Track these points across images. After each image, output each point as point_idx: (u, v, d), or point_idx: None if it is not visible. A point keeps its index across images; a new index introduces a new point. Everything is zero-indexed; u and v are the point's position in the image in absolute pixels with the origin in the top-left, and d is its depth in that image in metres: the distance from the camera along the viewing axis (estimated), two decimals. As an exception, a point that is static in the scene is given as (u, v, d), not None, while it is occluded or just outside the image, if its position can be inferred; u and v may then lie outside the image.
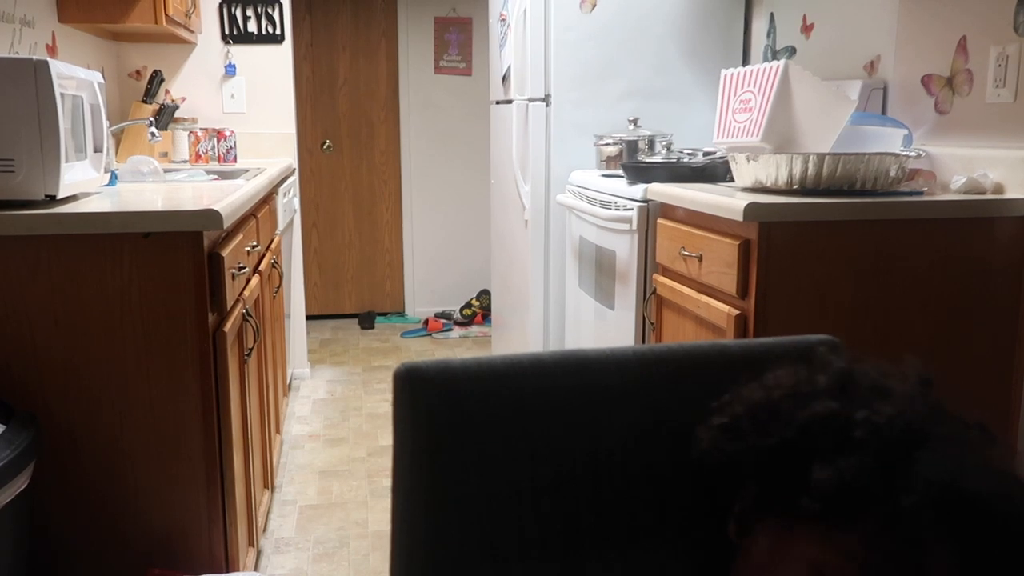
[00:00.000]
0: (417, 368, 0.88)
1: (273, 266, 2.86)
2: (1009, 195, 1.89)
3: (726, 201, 1.82)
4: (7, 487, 1.41)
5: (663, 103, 3.10)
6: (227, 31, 3.82)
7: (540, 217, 3.14)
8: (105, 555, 1.76)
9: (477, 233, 5.32)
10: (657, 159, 2.50)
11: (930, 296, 1.85)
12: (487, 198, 5.23)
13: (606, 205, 2.55)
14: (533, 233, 3.16)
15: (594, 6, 3.02)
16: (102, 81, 1.98)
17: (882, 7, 2.34)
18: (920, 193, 1.92)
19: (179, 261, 1.68)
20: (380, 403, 3.77)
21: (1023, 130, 1.89)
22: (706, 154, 2.42)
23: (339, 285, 5.31)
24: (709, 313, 1.97)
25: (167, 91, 3.78)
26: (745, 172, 1.99)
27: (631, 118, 2.87)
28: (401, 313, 5.37)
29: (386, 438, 3.35)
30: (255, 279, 2.34)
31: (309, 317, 4.75)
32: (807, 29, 2.72)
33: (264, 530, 2.55)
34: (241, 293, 2.10)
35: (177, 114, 3.67)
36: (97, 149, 1.94)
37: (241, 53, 3.85)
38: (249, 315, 2.14)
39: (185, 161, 3.56)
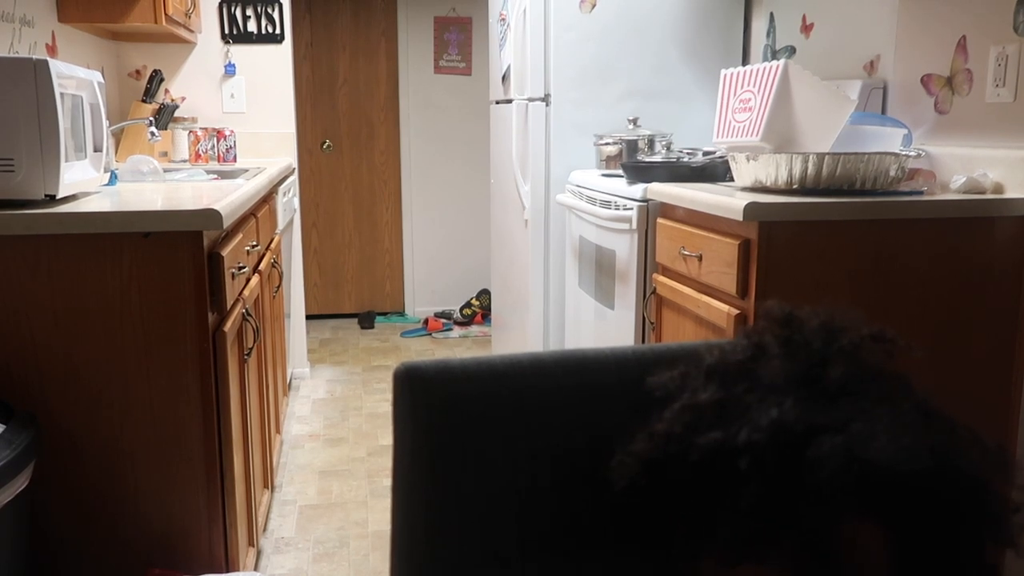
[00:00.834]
0: (417, 368, 0.88)
1: (273, 266, 2.86)
2: (1009, 195, 1.89)
3: (726, 201, 1.82)
4: (7, 487, 1.41)
5: (663, 103, 3.10)
6: (227, 31, 3.82)
7: (540, 217, 3.14)
8: (105, 555, 1.76)
9: (477, 233, 5.32)
10: (657, 159, 2.50)
11: (930, 296, 1.85)
12: (487, 198, 5.23)
13: (606, 205, 2.55)
14: (533, 233, 3.16)
15: (594, 6, 3.02)
16: (102, 81, 1.98)
17: (882, 7, 2.34)
18: (920, 193, 1.91)
19: (179, 261, 1.68)
20: (380, 403, 3.77)
21: (1023, 130, 1.89)
22: (706, 154, 2.42)
23: (339, 285, 5.31)
24: (709, 313, 1.97)
25: (167, 91, 3.78)
26: (745, 172, 1.99)
27: (631, 118, 2.87)
28: (401, 313, 5.37)
29: (386, 438, 3.35)
30: (255, 279, 2.34)
31: (309, 317, 4.75)
32: (807, 29, 2.72)
33: (264, 530, 2.55)
34: (241, 293, 2.10)
35: (177, 114, 3.67)
36: (97, 149, 1.94)
37: (241, 53, 3.85)
38: (249, 315, 2.14)
39: (185, 161, 3.56)
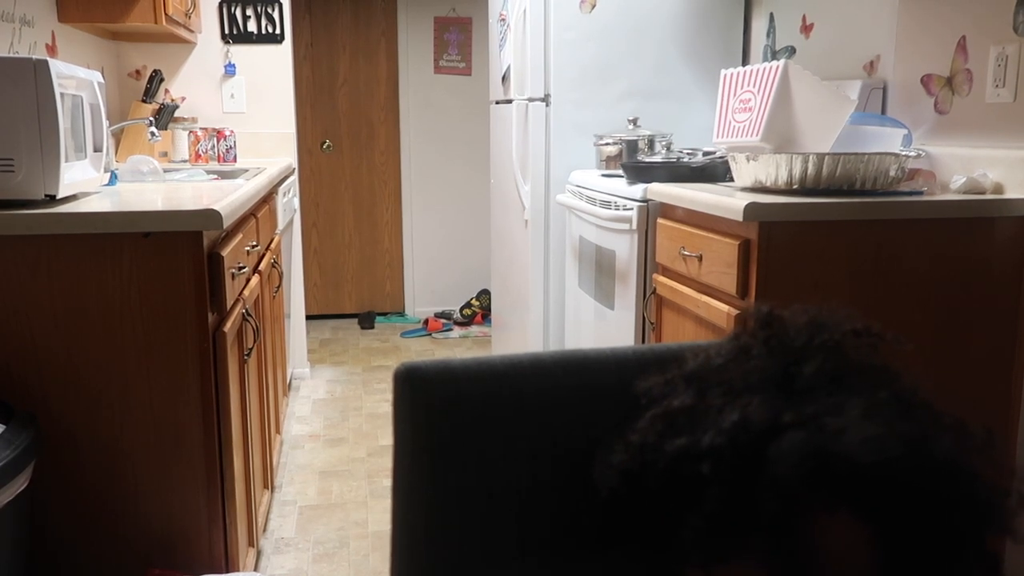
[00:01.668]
0: (417, 368, 0.88)
1: (273, 266, 2.86)
2: (1009, 195, 1.89)
3: (726, 201, 1.82)
4: (7, 487, 1.41)
5: (663, 103, 3.10)
6: (227, 31, 3.82)
7: (540, 217, 3.14)
8: (105, 555, 1.76)
9: (477, 233, 5.32)
10: (657, 159, 2.50)
11: (930, 296, 1.85)
12: (487, 198, 5.23)
13: (606, 205, 2.55)
14: (533, 233, 3.16)
15: (594, 6, 3.02)
16: (102, 81, 1.98)
17: (882, 7, 2.34)
18: (920, 193, 1.92)
19: (179, 261, 1.68)
20: (380, 403, 3.77)
21: (1023, 130, 1.89)
22: (706, 154, 2.42)
23: (339, 285, 5.31)
24: (709, 313, 1.97)
25: (167, 91, 3.78)
26: (745, 172, 1.99)
27: (631, 118, 2.87)
28: (401, 313, 5.37)
29: (386, 438, 3.35)
30: (255, 279, 2.34)
31: (309, 317, 4.75)
32: (807, 29, 2.72)
33: (264, 530, 2.55)
34: (241, 293, 2.10)
35: (177, 114, 3.67)
36: (97, 149, 1.94)
37: (241, 53, 3.85)
38: (249, 315, 2.14)
39: (185, 161, 3.56)
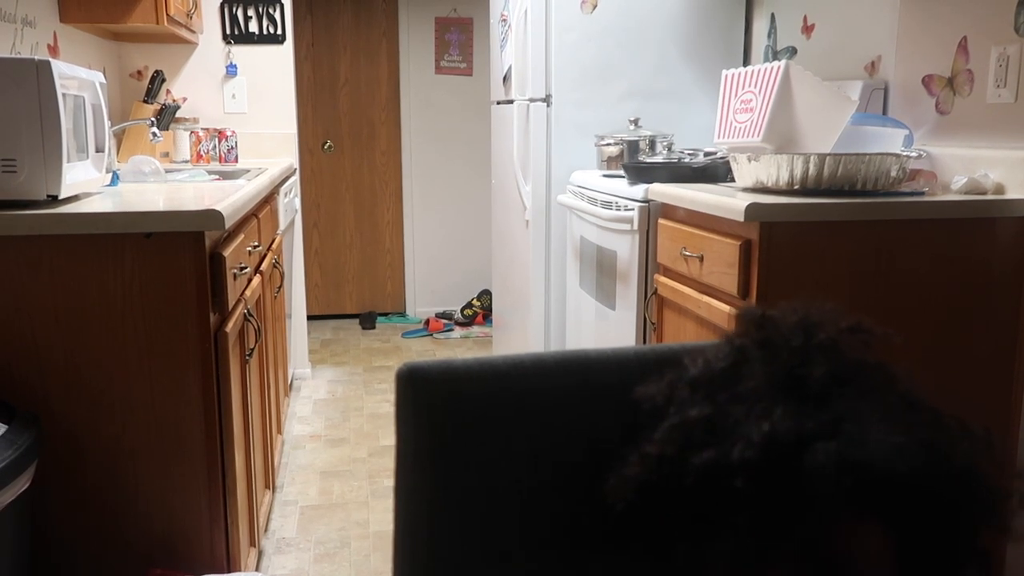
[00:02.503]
0: (419, 368, 0.88)
1: (274, 266, 2.87)
2: (1010, 195, 1.89)
3: (727, 201, 1.82)
4: (9, 487, 1.41)
5: (664, 103, 3.10)
6: (228, 31, 3.82)
7: (541, 217, 3.14)
8: (106, 555, 1.76)
9: (478, 233, 5.32)
10: (658, 159, 2.50)
11: (930, 296, 1.85)
12: (488, 198, 5.23)
13: (607, 205, 2.55)
14: (534, 233, 3.16)
15: (595, 7, 3.02)
16: (104, 81, 1.98)
17: (883, 7, 2.34)
18: (921, 193, 1.92)
19: (181, 261, 1.68)
20: (381, 403, 3.77)
21: (1023, 130, 1.90)
22: (707, 154, 2.42)
23: (340, 285, 5.31)
24: (710, 313, 1.97)
25: (168, 91, 3.78)
26: (746, 172, 1.99)
27: (632, 118, 2.87)
28: (402, 313, 5.37)
29: (387, 438, 3.35)
30: (256, 279, 2.35)
31: (310, 317, 4.75)
32: (808, 29, 2.72)
33: (265, 530, 2.55)
34: (242, 293, 2.10)
35: (178, 114, 3.67)
36: (99, 149, 1.94)
37: (242, 53, 3.85)
38: (250, 315, 2.14)
39: (186, 161, 3.56)
